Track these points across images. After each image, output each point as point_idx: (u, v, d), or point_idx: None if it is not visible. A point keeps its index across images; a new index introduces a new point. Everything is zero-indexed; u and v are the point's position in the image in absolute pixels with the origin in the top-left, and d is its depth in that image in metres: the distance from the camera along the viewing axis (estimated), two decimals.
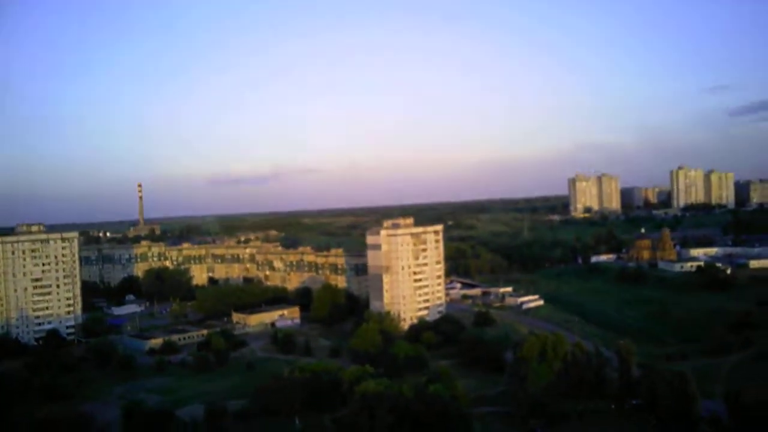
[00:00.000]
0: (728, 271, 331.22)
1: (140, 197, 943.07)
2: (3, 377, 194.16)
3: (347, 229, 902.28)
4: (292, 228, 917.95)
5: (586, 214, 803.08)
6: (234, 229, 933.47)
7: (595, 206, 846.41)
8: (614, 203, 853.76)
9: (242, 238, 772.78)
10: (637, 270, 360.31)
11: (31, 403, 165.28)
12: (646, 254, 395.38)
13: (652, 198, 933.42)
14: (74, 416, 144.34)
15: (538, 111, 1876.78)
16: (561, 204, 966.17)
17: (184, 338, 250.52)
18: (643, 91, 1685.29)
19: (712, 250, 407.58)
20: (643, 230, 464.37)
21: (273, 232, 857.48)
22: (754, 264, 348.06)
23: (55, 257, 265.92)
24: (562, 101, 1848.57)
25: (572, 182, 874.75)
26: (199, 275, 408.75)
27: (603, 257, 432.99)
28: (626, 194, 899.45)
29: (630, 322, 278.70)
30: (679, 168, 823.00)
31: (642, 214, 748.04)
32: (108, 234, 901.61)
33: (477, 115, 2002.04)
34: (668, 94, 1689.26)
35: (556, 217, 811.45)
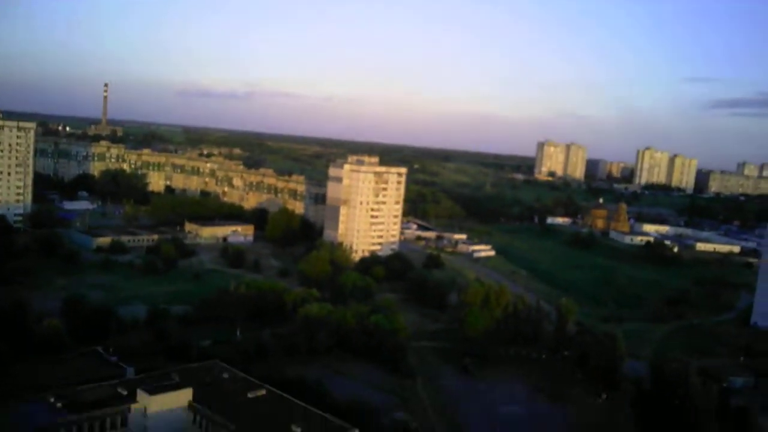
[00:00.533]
0: (675, 250, 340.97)
1: (105, 97, 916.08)
2: None
3: (312, 157, 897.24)
4: (257, 149, 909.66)
5: (550, 178, 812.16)
6: (197, 142, 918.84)
7: (560, 172, 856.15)
8: (578, 172, 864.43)
9: (205, 152, 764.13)
10: (589, 236, 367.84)
11: None
12: (600, 223, 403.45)
13: (616, 173, 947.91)
14: (12, 302, 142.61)
15: (520, 73, 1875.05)
16: (527, 165, 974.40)
17: (134, 240, 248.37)
18: (625, 71, 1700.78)
19: (664, 228, 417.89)
20: (601, 200, 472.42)
21: (237, 150, 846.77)
22: (700, 246, 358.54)
23: (9, 145, 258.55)
24: (546, 68, 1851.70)
25: (541, 146, 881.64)
26: (156, 182, 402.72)
27: (559, 220, 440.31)
28: (591, 165, 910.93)
29: (574, 283, 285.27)
30: (646, 148, 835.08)
31: (603, 186, 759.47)
32: (68, 128, 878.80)
33: (459, 66, 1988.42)
34: (650, 78, 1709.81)
35: (519, 176, 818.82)
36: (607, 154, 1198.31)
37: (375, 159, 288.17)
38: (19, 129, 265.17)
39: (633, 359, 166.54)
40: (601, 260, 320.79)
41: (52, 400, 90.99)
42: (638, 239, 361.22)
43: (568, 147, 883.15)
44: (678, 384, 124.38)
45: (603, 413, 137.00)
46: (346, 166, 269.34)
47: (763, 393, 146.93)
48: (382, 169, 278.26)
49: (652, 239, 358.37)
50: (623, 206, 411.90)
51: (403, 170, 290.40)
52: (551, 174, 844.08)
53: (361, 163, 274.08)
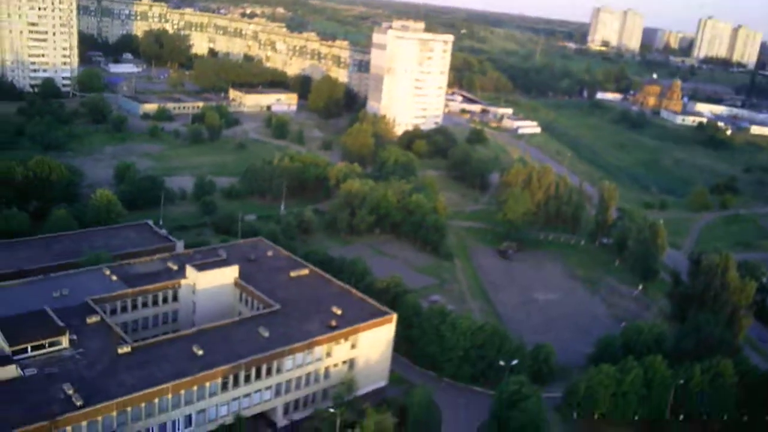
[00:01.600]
0: (728, 132, 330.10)
1: None
2: None
3: (357, 18, 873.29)
4: (300, 8, 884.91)
5: (603, 48, 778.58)
6: (240, 0, 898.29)
7: (614, 41, 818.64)
8: (634, 42, 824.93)
9: (248, 11, 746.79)
10: (639, 115, 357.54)
11: (24, 150, 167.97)
12: (652, 101, 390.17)
13: (674, 43, 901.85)
14: (66, 168, 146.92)
15: None
16: (580, 33, 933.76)
17: (180, 108, 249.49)
18: None
19: (719, 108, 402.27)
20: (655, 76, 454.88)
21: (280, 10, 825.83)
22: (755, 129, 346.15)
23: (52, 3, 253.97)
24: None
25: (596, 12, 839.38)
26: (199, 44, 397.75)
27: (609, 95, 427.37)
28: (648, 34, 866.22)
29: (620, 165, 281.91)
30: (708, 17, 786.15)
31: (659, 59, 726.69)
32: None
33: None
34: None
35: (571, 45, 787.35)
36: (666, 22, 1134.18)
37: (420, 24, 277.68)
38: None
39: (673, 249, 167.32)
40: (649, 141, 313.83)
41: (107, 272, 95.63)
42: (690, 120, 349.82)
43: (624, 14, 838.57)
44: (715, 278, 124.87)
45: (637, 304, 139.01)
46: (390, 32, 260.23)
47: None
48: (428, 36, 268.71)
49: (704, 120, 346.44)
50: (677, 83, 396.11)
51: (450, 38, 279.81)
52: (605, 43, 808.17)
53: (405, 28, 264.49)
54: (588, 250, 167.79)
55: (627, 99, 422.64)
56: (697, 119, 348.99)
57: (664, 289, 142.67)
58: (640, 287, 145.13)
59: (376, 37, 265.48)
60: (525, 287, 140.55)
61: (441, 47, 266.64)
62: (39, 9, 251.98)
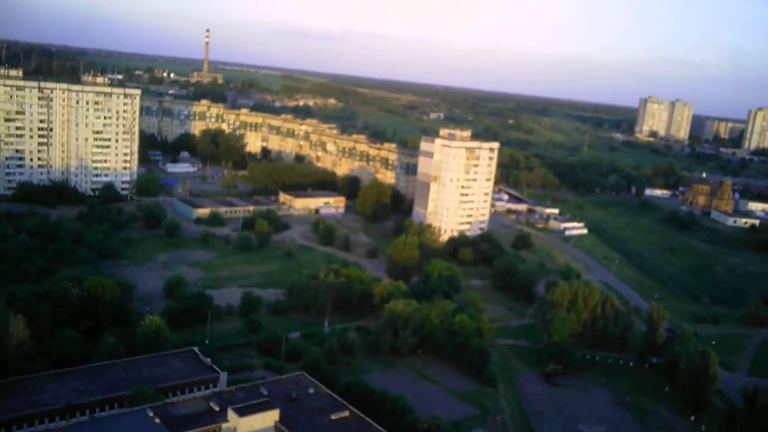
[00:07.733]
0: None
1: (207, 42, 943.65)
2: (59, 226, 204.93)
3: (406, 108, 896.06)
4: (351, 98, 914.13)
5: (651, 139, 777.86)
6: (294, 91, 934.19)
7: (662, 132, 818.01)
8: (682, 132, 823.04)
9: (301, 103, 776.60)
10: (689, 215, 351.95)
11: (81, 262, 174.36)
12: (702, 200, 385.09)
13: (724, 133, 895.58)
14: (119, 285, 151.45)
15: (622, 13, 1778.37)
16: (627, 121, 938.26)
17: (231, 212, 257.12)
18: (744, 13, 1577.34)
19: None
20: (704, 174, 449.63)
21: (332, 101, 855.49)
22: None
23: (117, 112, 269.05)
24: (652, 9, 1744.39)
25: (644, 102, 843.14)
26: (253, 143, 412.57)
27: (658, 192, 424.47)
28: (697, 123, 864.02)
29: (670, 271, 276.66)
30: (759, 109, 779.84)
31: (708, 151, 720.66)
32: (172, 75, 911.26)
33: (558, 7, 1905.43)
34: None
35: (619, 136, 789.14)
36: (715, 110, 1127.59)
37: (467, 133, 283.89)
38: (125, 96, 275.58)
39: (727, 370, 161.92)
40: (699, 245, 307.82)
41: (150, 413, 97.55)
42: (742, 221, 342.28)
43: (672, 105, 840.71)
44: None
45: None
46: (438, 141, 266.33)
47: None
48: (474, 144, 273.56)
49: (757, 222, 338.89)
50: (728, 183, 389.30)
51: (495, 145, 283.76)
52: (653, 134, 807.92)
53: (452, 137, 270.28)
54: (636, 372, 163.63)
55: (676, 196, 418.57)
56: (750, 221, 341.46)
57: (719, 420, 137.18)
58: (692, 419, 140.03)
59: (424, 146, 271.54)
60: (571, 417, 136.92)
61: (487, 154, 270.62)
62: (104, 118, 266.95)
